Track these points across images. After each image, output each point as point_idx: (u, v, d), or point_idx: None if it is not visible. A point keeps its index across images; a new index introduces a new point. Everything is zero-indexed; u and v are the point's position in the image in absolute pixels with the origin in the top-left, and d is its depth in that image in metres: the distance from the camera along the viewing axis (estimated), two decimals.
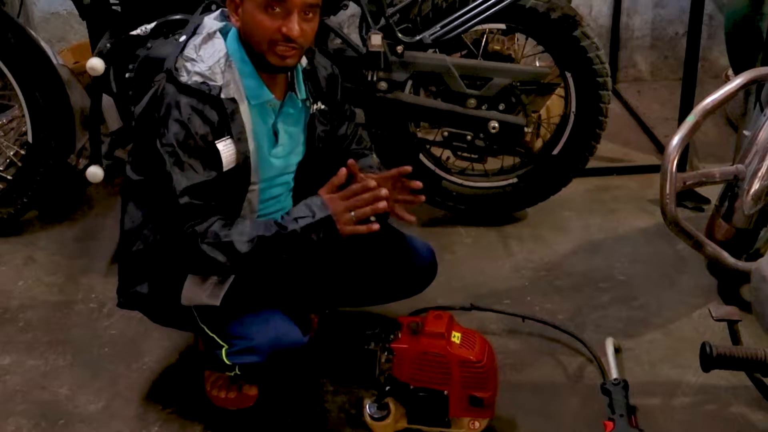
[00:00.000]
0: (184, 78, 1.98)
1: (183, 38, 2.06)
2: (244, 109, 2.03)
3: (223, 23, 2.08)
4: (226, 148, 2.00)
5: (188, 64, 2.00)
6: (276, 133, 2.13)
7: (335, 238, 2.00)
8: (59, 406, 2.31)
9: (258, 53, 2.00)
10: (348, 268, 2.31)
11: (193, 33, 2.06)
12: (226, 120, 2.00)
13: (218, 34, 2.04)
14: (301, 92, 2.16)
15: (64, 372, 2.43)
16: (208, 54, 2.01)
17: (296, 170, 2.24)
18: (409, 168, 2.18)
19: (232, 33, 2.06)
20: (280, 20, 1.95)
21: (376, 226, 2.02)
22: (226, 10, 2.10)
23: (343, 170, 2.04)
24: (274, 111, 2.12)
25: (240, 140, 2.02)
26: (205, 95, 1.97)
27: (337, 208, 1.97)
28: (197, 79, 1.98)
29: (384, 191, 2.01)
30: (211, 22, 2.08)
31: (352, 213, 1.98)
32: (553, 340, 2.50)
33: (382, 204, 2.01)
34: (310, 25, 2.00)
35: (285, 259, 2.00)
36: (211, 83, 1.98)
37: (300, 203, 2.02)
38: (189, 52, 2.01)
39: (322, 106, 2.23)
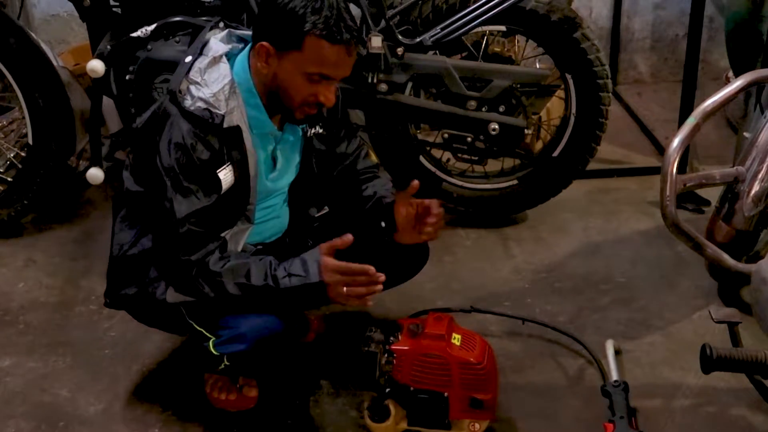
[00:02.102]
0: (188, 102, 1.97)
1: (189, 58, 2.03)
2: (246, 137, 2.03)
3: (230, 46, 2.06)
4: (226, 176, 2.01)
5: (193, 88, 1.98)
6: (275, 159, 2.15)
7: (323, 300, 2.03)
8: (59, 408, 2.31)
9: (284, 105, 2.02)
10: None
11: (200, 53, 2.04)
12: (228, 148, 2.00)
13: (224, 59, 2.02)
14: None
15: (64, 374, 2.43)
16: (213, 78, 1.98)
17: (292, 184, 2.27)
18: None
19: (240, 60, 2.04)
20: (319, 88, 1.97)
21: (369, 303, 2.04)
22: (234, 31, 2.09)
23: (349, 237, 2.04)
24: (275, 139, 2.13)
25: (241, 167, 2.03)
26: (207, 123, 1.96)
27: (331, 279, 1.99)
28: (201, 105, 1.96)
29: (381, 277, 2.01)
30: (217, 44, 2.05)
31: (345, 288, 2.00)
32: (553, 342, 2.50)
33: (378, 288, 2.02)
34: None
35: (270, 305, 2.04)
36: (214, 110, 1.96)
37: (297, 259, 2.01)
38: (194, 75, 1.99)
39: (320, 130, 2.24)
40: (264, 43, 1.96)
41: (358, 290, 2.00)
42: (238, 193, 2.06)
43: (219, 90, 1.97)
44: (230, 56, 2.05)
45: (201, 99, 1.96)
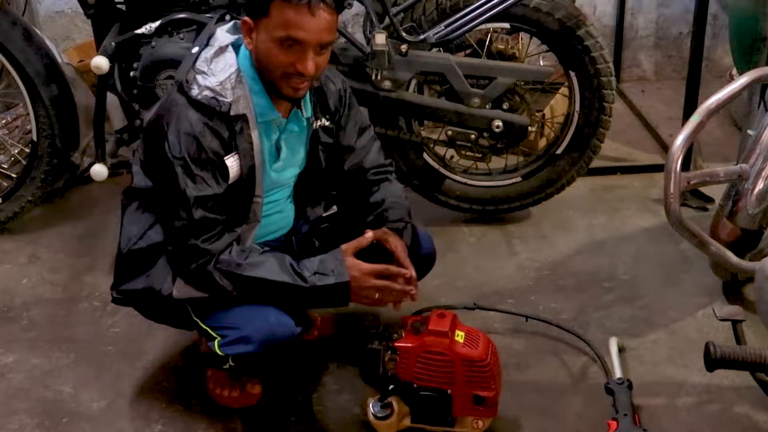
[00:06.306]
0: (194, 92, 1.98)
1: (195, 49, 2.05)
2: (252, 126, 2.04)
3: (236, 37, 2.07)
4: (234, 163, 2.02)
5: (199, 77, 1.99)
6: (278, 149, 2.15)
7: (345, 301, 2.04)
8: (62, 404, 2.31)
9: (270, 80, 2.01)
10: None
11: (206, 44, 2.05)
12: (234, 136, 2.01)
13: (230, 48, 2.04)
14: (307, 110, 2.16)
15: (67, 370, 2.44)
16: (220, 68, 2.00)
17: (297, 178, 2.26)
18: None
19: (245, 49, 2.05)
20: (295, 56, 1.95)
21: (400, 307, 2.08)
22: (239, 22, 2.10)
23: (370, 234, 2.04)
24: (279, 128, 2.13)
25: (247, 156, 2.04)
26: (214, 111, 1.97)
27: (363, 283, 2.01)
28: (207, 93, 1.98)
29: (413, 290, 2.05)
30: (223, 35, 2.06)
31: (377, 295, 2.03)
32: (556, 339, 2.50)
33: (413, 291, 2.06)
34: (323, 59, 2.01)
35: (290, 301, 2.04)
36: (221, 99, 1.98)
37: (325, 257, 2.03)
38: (200, 65, 2.01)
39: (327, 123, 2.23)
40: (246, 18, 1.98)
41: (388, 300, 2.04)
42: (244, 183, 2.06)
43: (225, 78, 1.99)
44: (236, 46, 2.06)
45: (208, 88, 1.98)
